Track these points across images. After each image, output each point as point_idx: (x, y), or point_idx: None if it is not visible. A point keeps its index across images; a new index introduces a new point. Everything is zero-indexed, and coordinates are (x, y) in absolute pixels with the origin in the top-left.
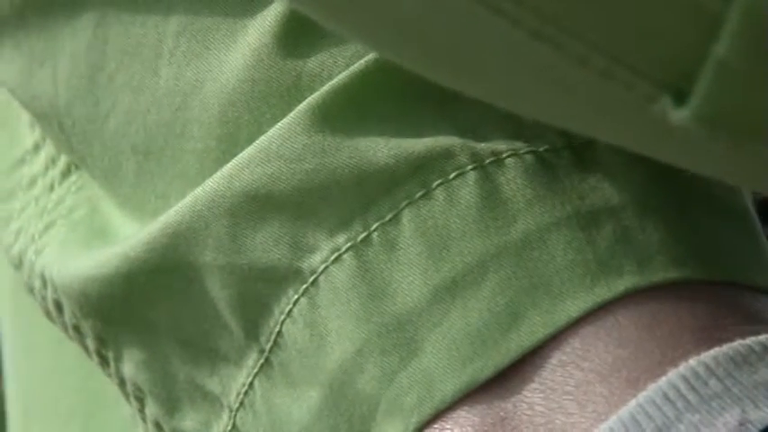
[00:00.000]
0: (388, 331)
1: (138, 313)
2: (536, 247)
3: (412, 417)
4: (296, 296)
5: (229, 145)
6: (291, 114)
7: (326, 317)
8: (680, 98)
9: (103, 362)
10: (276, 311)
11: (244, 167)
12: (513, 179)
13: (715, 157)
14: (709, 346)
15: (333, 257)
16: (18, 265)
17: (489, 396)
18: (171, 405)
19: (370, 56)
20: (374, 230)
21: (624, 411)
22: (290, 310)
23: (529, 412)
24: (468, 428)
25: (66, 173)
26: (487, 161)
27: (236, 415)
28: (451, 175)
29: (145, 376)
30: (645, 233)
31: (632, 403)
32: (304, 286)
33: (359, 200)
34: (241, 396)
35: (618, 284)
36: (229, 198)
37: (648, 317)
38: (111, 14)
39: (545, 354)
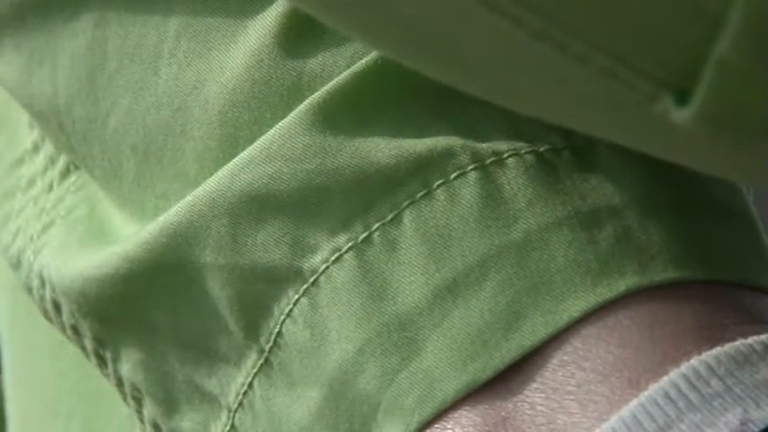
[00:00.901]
0: (388, 331)
1: (137, 313)
2: (537, 246)
3: (413, 417)
4: (296, 296)
5: (229, 145)
6: (292, 114)
7: (327, 317)
8: (682, 97)
9: (101, 362)
10: (276, 312)
11: (244, 167)
12: (514, 179)
13: (717, 156)
14: (711, 346)
15: (333, 257)
16: (16, 264)
17: (491, 396)
18: (169, 405)
19: (371, 56)
20: (375, 230)
21: (626, 411)
22: (291, 311)
23: (530, 412)
24: (470, 428)
25: (65, 173)
26: (488, 161)
27: (234, 415)
28: (452, 175)
29: (143, 376)
30: (646, 233)
31: (634, 403)
32: (305, 286)
33: (360, 200)
34: (240, 396)
35: (619, 284)
36: (230, 198)
37: (650, 317)
38: (111, 15)
39: (546, 353)
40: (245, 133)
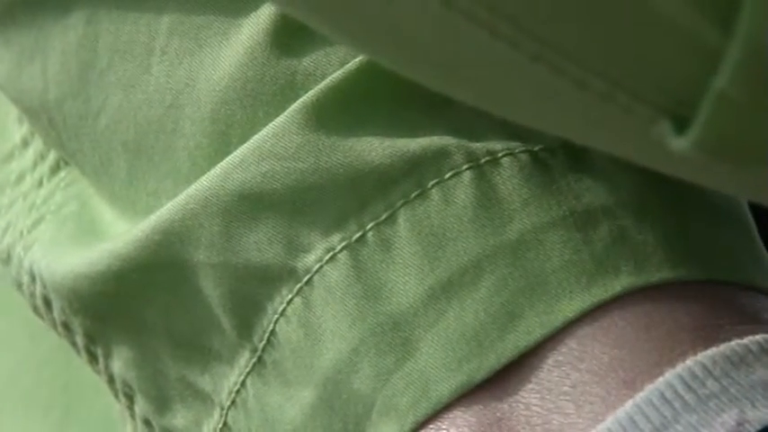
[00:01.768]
0: (383, 331)
1: (129, 311)
2: (532, 247)
3: (407, 417)
4: (290, 295)
5: (221, 143)
6: (285, 113)
7: (321, 316)
8: (680, 124)
9: (92, 359)
10: (270, 311)
11: (237, 166)
12: (508, 179)
13: (717, 175)
14: (707, 346)
15: (327, 257)
16: (6, 260)
17: (485, 396)
18: (161, 403)
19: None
20: (369, 230)
21: (621, 412)
22: (284, 310)
23: (525, 413)
24: (465, 429)
25: (55, 168)
26: (483, 161)
27: (227, 413)
28: (447, 175)
29: (135, 374)
30: (641, 233)
31: (629, 404)
32: (298, 285)
33: (354, 199)
34: (233, 395)
35: (614, 285)
36: (223, 197)
37: (645, 317)
38: (102, 11)
39: (541, 354)
40: (237, 131)
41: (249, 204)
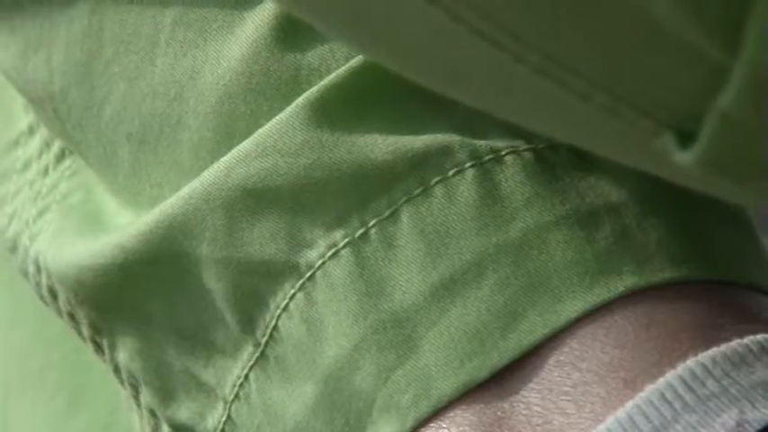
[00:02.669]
0: (385, 328)
1: (134, 303)
2: (535, 245)
3: (408, 415)
4: (292, 291)
5: (225, 137)
6: (289, 108)
7: (323, 312)
8: (683, 139)
9: (98, 349)
10: (272, 306)
11: (240, 161)
12: (512, 177)
13: (716, 186)
14: (707, 347)
15: (330, 253)
16: (13, 248)
17: (487, 395)
18: (165, 394)
19: None
20: (372, 227)
21: (621, 412)
22: (287, 305)
23: (526, 412)
24: (466, 428)
25: (60, 157)
26: (486, 158)
27: (231, 407)
28: (450, 173)
29: (139, 365)
30: (644, 232)
31: (629, 404)
32: (301, 281)
33: (357, 196)
34: (236, 388)
35: (617, 285)
36: (226, 191)
37: (646, 317)
38: (108, 2)
39: (543, 353)
40: (240, 125)
41: (252, 199)
